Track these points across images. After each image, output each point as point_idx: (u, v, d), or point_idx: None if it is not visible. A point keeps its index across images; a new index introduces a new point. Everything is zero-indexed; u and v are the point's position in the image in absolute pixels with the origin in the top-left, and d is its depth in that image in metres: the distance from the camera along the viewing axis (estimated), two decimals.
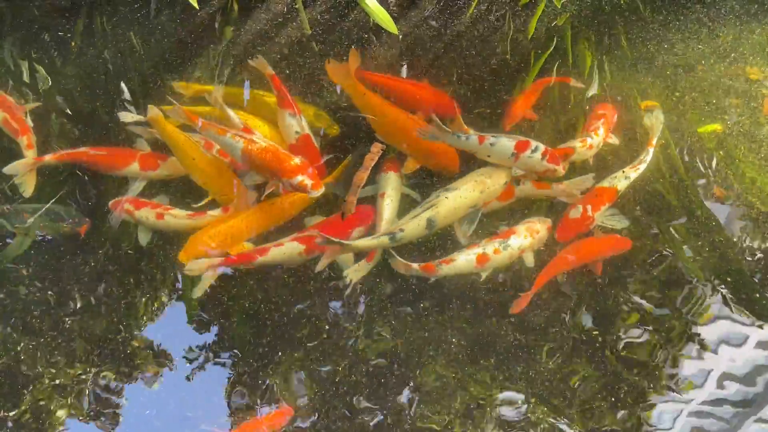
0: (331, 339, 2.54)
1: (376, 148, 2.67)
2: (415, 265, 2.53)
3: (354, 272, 2.62)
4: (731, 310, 2.60)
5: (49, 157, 2.88)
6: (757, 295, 2.63)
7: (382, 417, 2.39)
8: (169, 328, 2.61)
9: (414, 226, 2.57)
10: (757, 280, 2.67)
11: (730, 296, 2.62)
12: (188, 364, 2.51)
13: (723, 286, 2.65)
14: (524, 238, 2.62)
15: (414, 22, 3.58)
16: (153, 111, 2.76)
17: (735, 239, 2.77)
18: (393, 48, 3.46)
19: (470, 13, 3.61)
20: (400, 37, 3.48)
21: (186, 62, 3.41)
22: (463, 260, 2.55)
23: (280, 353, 2.50)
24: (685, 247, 2.75)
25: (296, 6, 3.52)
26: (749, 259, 2.73)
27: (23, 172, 2.87)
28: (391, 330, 2.56)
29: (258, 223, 2.71)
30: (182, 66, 3.38)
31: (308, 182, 2.59)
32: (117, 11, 3.64)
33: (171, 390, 2.47)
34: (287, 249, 2.61)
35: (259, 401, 2.42)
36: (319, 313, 2.60)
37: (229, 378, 2.47)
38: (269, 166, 2.60)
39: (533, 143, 2.63)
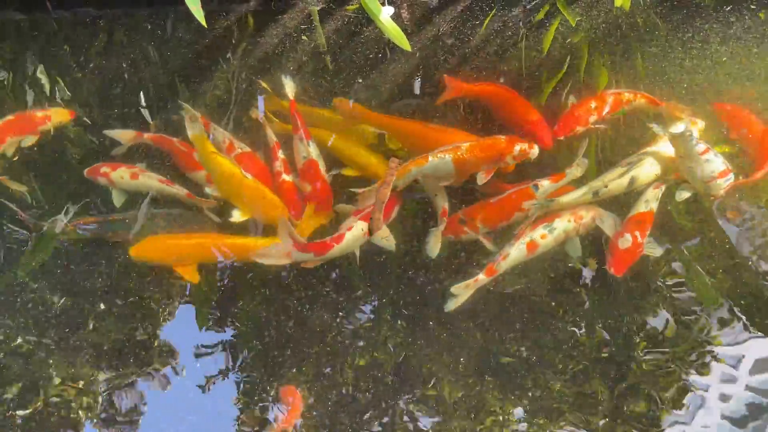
0: (336, 352, 2.53)
1: (394, 163, 2.67)
2: (480, 275, 2.54)
3: (435, 241, 2.66)
4: (746, 333, 2.54)
5: (147, 136, 3.04)
6: None
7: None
8: (177, 336, 2.62)
9: (618, 183, 2.72)
10: None
11: (745, 319, 2.57)
12: (195, 372, 2.52)
13: (737, 309, 2.59)
14: (567, 221, 2.64)
15: (428, 38, 3.59)
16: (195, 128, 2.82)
17: (750, 262, 2.72)
18: (407, 64, 3.48)
19: (483, 29, 3.61)
20: (417, 54, 3.49)
21: (203, 75, 3.46)
22: (516, 252, 2.59)
23: (285, 365, 2.50)
24: (698, 269, 2.70)
25: (313, 22, 3.55)
26: (765, 282, 2.67)
27: (125, 142, 3.04)
28: (398, 345, 2.54)
29: (219, 253, 2.66)
30: (199, 79, 3.43)
31: (525, 146, 2.75)
32: (136, 25, 3.70)
33: (177, 398, 2.48)
34: (356, 231, 2.63)
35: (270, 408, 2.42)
36: (326, 324, 2.59)
37: (236, 387, 2.48)
38: (486, 157, 2.71)
39: (731, 174, 2.71)
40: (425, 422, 2.39)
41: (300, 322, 2.59)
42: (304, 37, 3.58)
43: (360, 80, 3.41)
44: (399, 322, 2.59)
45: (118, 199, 2.87)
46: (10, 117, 3.11)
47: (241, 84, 3.39)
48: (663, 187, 2.77)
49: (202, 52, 3.58)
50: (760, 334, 2.52)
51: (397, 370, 2.48)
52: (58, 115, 3.16)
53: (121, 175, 2.88)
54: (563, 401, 2.41)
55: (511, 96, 3.05)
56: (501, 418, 2.40)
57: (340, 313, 2.62)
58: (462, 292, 2.53)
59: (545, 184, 2.73)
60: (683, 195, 2.77)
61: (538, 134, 2.87)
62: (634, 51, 3.50)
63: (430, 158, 2.71)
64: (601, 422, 2.37)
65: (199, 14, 2.67)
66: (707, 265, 2.70)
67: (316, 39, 3.56)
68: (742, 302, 2.60)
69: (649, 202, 2.71)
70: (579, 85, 3.30)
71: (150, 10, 3.74)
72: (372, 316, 2.62)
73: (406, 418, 2.40)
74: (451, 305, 2.53)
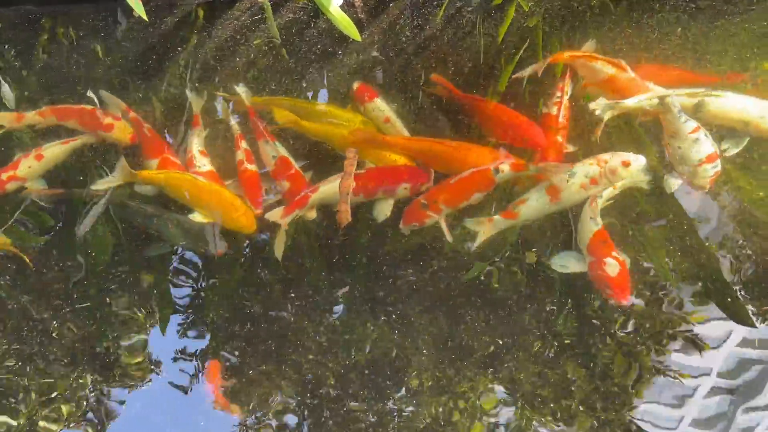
0: (308, 342, 2.52)
1: (352, 153, 2.69)
2: (497, 216, 2.58)
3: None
4: (706, 314, 2.57)
5: (132, 115, 2.97)
6: (730, 300, 2.59)
7: (361, 421, 2.38)
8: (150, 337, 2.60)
9: (686, 100, 2.69)
10: (732, 285, 2.64)
11: (705, 300, 2.59)
12: (169, 373, 2.51)
13: (697, 291, 2.62)
14: (589, 165, 2.59)
15: (382, 27, 3.54)
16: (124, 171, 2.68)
17: (707, 243, 2.74)
18: (362, 54, 3.43)
19: (440, 17, 3.57)
20: (375, 46, 3.45)
21: (153, 72, 3.38)
22: (537, 197, 2.60)
23: (255, 357, 2.50)
24: (658, 251, 2.71)
25: (265, 14, 3.47)
26: (723, 264, 2.69)
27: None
28: (370, 333, 2.55)
29: None
30: (149, 76, 3.35)
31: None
32: (81, 22, 3.60)
33: (151, 400, 2.46)
34: (336, 186, 2.66)
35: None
36: (296, 316, 2.58)
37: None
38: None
39: (719, 161, 2.62)
40: (398, 411, 2.40)
41: (268, 316, 2.59)
42: (257, 41, 3.52)
43: (316, 71, 3.38)
44: (369, 313, 2.59)
45: (35, 185, 2.77)
46: (84, 106, 2.98)
47: (194, 80, 3.31)
48: (598, 201, 2.63)
49: (151, 48, 3.50)
50: (721, 314, 2.56)
51: (368, 362, 2.49)
52: (119, 130, 2.91)
53: (27, 165, 2.76)
54: (537, 385, 2.43)
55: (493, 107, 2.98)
56: (474, 404, 2.41)
57: (311, 309, 2.61)
58: (476, 227, 2.58)
59: (505, 169, 2.67)
60: (673, 184, 2.72)
61: (530, 137, 2.83)
62: (589, 33, 3.48)
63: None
64: (575, 405, 2.39)
65: (139, 8, 2.60)
66: (667, 246, 2.72)
67: (268, 30, 3.49)
68: (701, 283, 2.63)
69: (595, 219, 2.59)
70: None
71: (94, 6, 3.64)
72: (341, 309, 2.62)
73: (379, 408, 2.40)
74: (474, 245, 2.59)
